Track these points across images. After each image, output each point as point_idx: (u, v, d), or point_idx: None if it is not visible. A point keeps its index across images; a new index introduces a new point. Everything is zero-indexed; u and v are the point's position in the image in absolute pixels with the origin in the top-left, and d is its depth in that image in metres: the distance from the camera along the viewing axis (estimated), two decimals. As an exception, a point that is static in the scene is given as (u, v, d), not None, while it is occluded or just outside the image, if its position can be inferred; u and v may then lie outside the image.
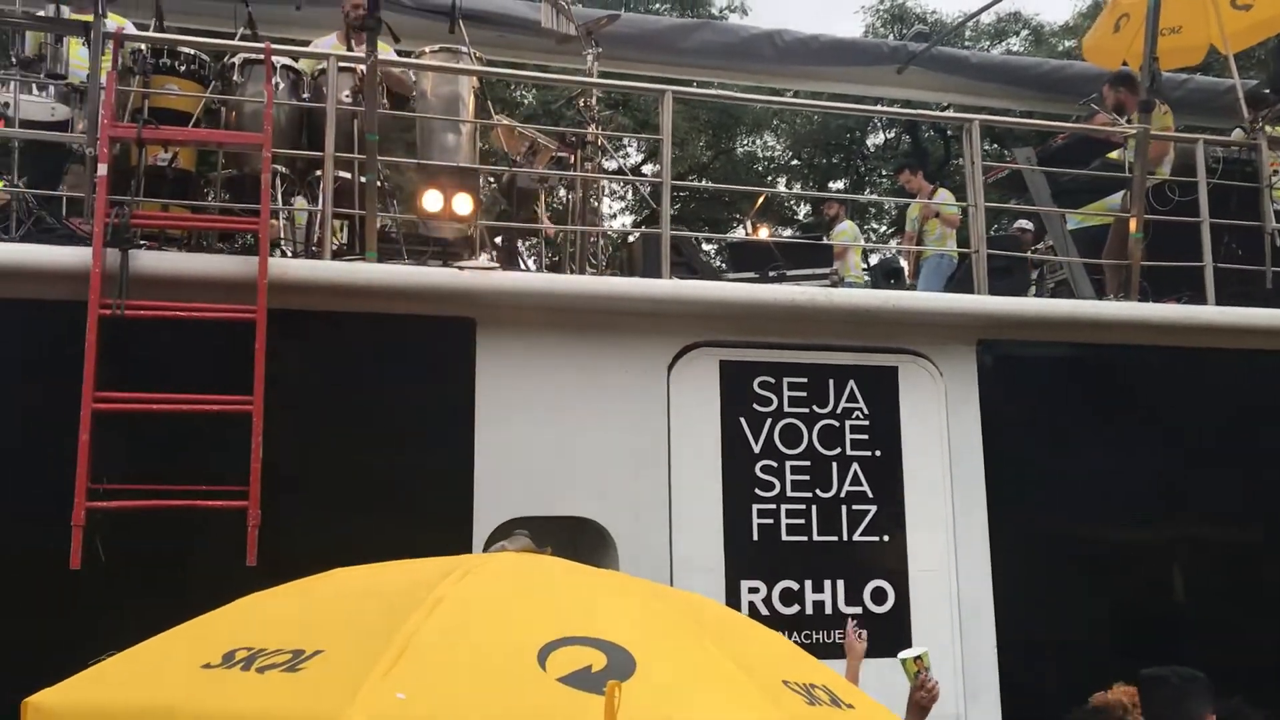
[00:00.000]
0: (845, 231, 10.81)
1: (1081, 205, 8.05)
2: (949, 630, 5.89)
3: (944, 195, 10.07)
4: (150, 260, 5.06)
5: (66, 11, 5.77)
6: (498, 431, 5.50)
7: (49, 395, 4.85)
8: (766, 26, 9.93)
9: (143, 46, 5.97)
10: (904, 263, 10.60)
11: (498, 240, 7.23)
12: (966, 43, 22.61)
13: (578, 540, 5.62)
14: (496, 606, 2.09)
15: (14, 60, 5.99)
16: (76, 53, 5.98)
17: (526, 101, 20.86)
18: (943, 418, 6.16)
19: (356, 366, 5.42)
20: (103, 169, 4.95)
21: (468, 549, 5.26)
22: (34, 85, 5.76)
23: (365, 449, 5.31)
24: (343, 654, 1.90)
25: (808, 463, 5.90)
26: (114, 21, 5.75)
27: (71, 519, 4.50)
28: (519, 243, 7.85)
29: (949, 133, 23.17)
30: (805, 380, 5.97)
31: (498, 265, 5.84)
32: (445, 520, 5.34)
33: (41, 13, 5.73)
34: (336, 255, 5.84)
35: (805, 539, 5.82)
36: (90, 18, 5.41)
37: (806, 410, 5.94)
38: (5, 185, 5.88)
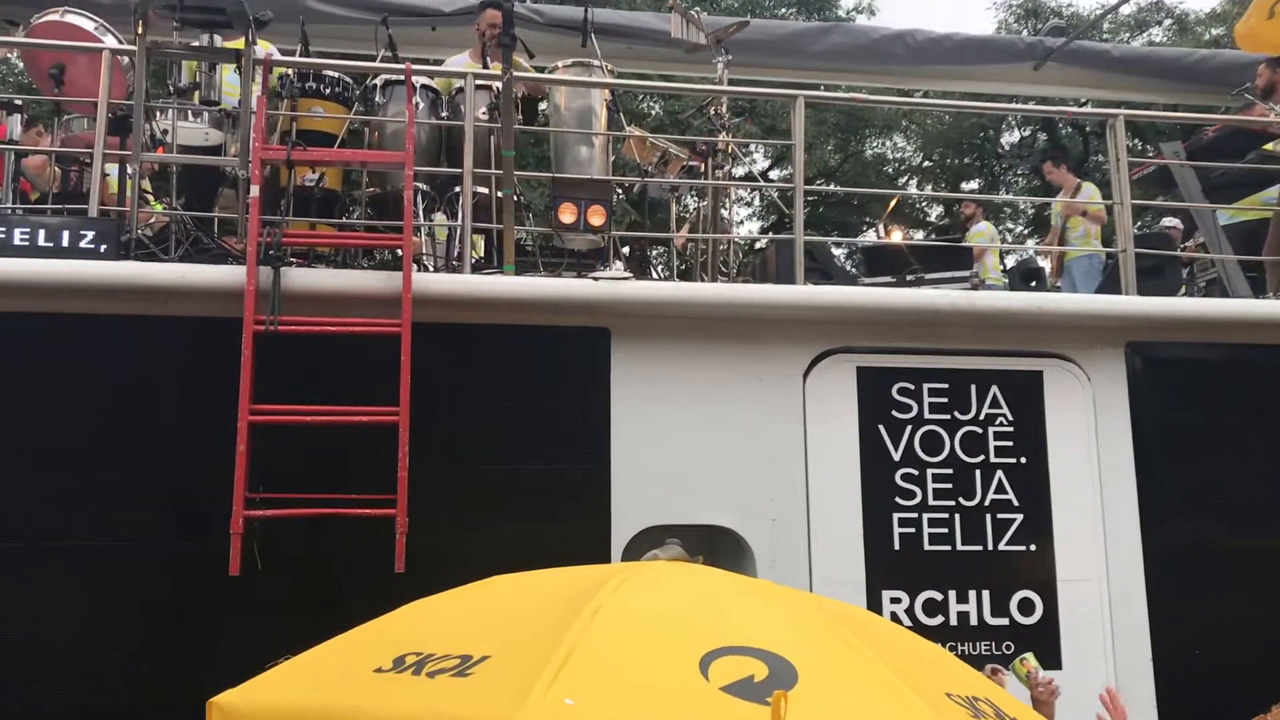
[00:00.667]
0: (982, 233, 10.56)
1: (1235, 200, 7.69)
2: (1100, 644, 5.69)
3: (1089, 190, 9.73)
4: (300, 277, 5.23)
5: (219, 40, 6.05)
6: (633, 440, 5.54)
7: (207, 407, 5.07)
8: (897, 27, 9.79)
9: (290, 71, 6.21)
10: (1044, 263, 10.28)
11: (626, 250, 7.30)
12: (1105, 35, 21.85)
13: (714, 549, 5.62)
14: (655, 615, 2.10)
15: (171, 89, 6.31)
16: (228, 79, 6.25)
17: (654, 112, 20.96)
18: (1091, 423, 5.96)
19: (496, 376, 5.52)
20: (255, 190, 5.15)
21: (606, 557, 5.31)
22: (189, 112, 6.04)
23: (505, 457, 5.41)
24: (509, 660, 1.94)
25: (950, 470, 5.77)
26: (262, 48, 5.99)
27: (230, 526, 4.69)
28: (650, 252, 7.89)
29: (1088, 129, 22.49)
30: (946, 386, 5.84)
31: (630, 275, 5.87)
32: (583, 528, 5.40)
33: (196, 43, 6.01)
34: (475, 269, 5.96)
35: (949, 548, 5.70)
36: (241, 45, 5.65)
37: (948, 417, 5.82)
38: (164, 207, 6.19)
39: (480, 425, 5.44)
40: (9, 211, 5.88)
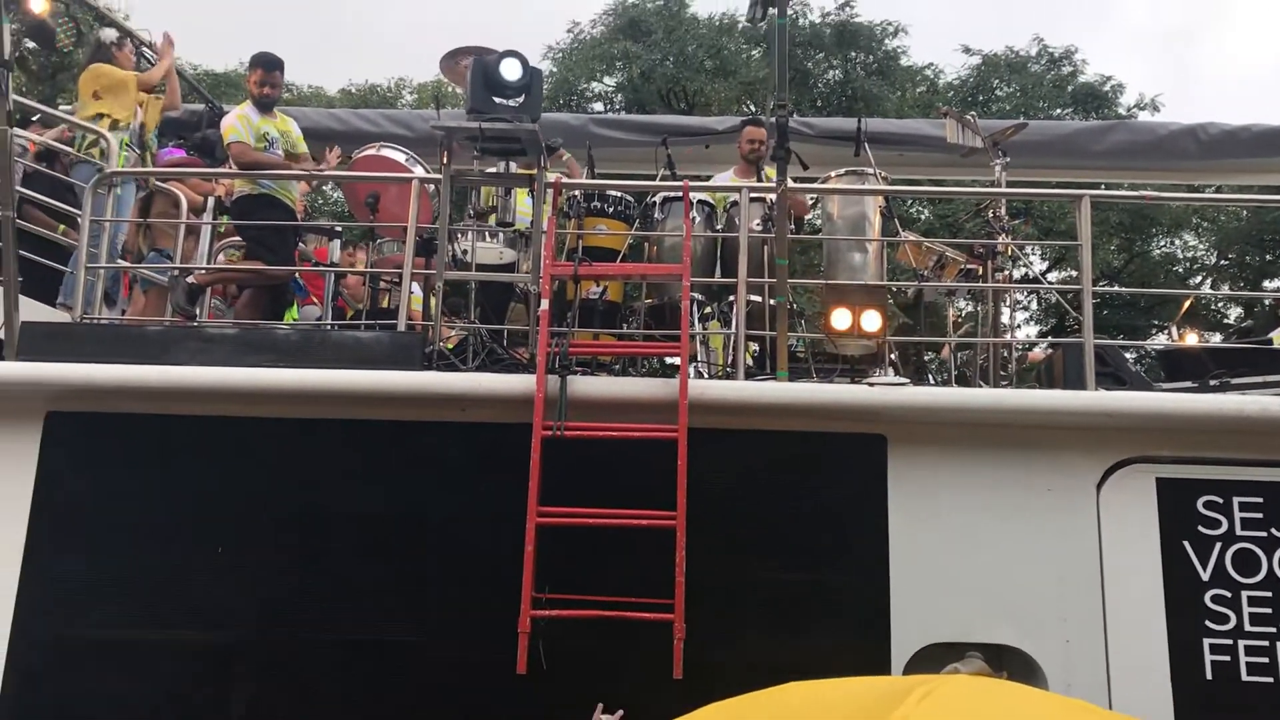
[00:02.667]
0: None
1: None
2: None
3: None
4: (584, 385, 5.44)
5: (514, 167, 6.51)
6: (912, 551, 5.36)
7: (496, 508, 5.32)
8: (1186, 122, 9.31)
9: (578, 193, 6.60)
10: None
11: (894, 355, 7.19)
12: None
13: (1001, 670, 5.31)
14: (962, 730, 2.00)
15: (470, 212, 6.82)
16: (522, 202, 6.70)
17: (923, 217, 20.75)
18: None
19: (770, 483, 5.51)
20: (545, 304, 5.46)
21: (885, 671, 5.13)
22: (487, 233, 6.50)
23: (779, 565, 5.37)
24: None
25: (1269, 593, 5.24)
26: (550, 174, 6.40)
27: (518, 625, 4.87)
28: (925, 357, 7.74)
29: None
30: (1261, 500, 5.34)
31: (908, 380, 5.77)
32: (861, 642, 5.25)
33: (493, 169, 6.49)
34: (749, 375, 6.03)
35: (1271, 680, 5.15)
36: (534, 171, 6.05)
37: (1264, 534, 5.31)
38: (463, 323, 6.65)
39: (754, 531, 5.43)
40: (329, 327, 6.47)
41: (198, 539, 5.48)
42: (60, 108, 10.31)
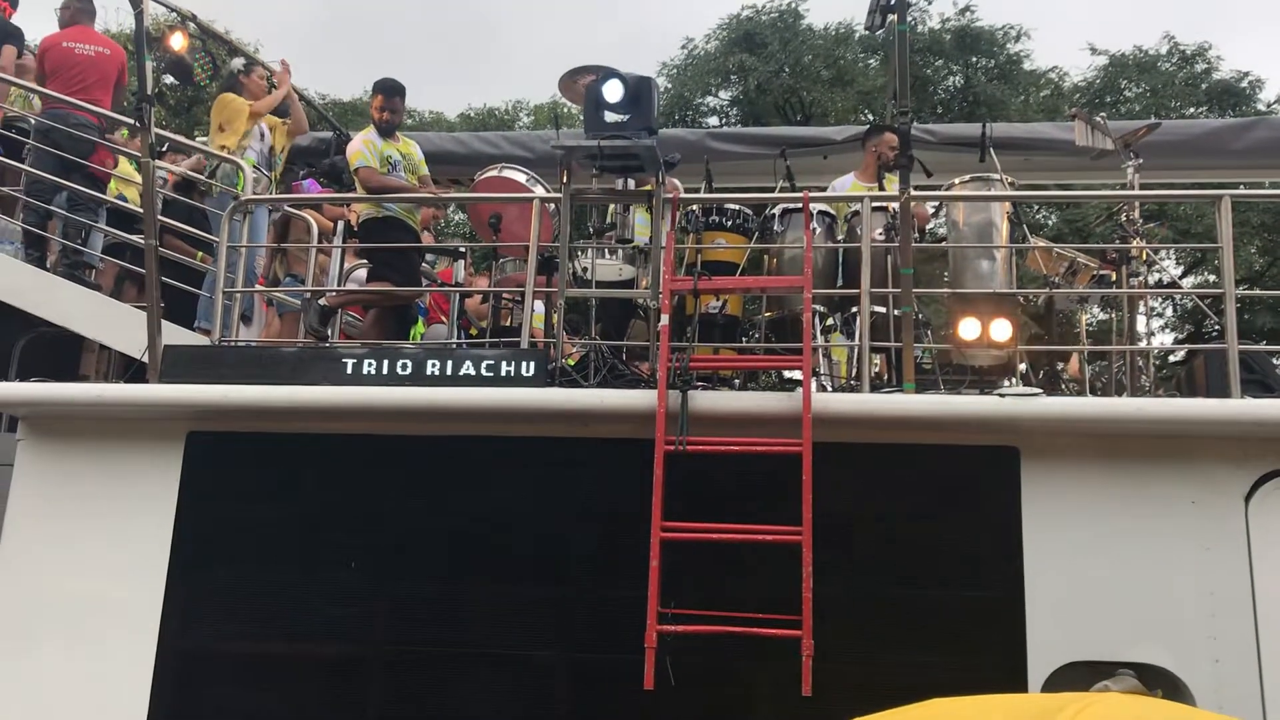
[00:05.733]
0: None
1: None
2: None
3: None
4: (706, 399, 5.41)
5: (632, 184, 6.54)
6: (1049, 566, 5.18)
7: (620, 523, 5.34)
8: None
9: (696, 208, 6.59)
10: None
11: (1023, 366, 6.98)
12: None
13: (1155, 689, 5.09)
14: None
15: (590, 229, 6.88)
16: (641, 218, 6.73)
17: (1050, 222, 20.20)
18: None
19: (900, 497, 5.40)
20: (665, 319, 5.46)
21: (1022, 690, 4.96)
22: (606, 250, 6.54)
23: (909, 580, 5.25)
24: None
25: None
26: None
27: (644, 640, 4.87)
28: (1058, 367, 7.51)
29: None
30: None
31: (1041, 391, 5.60)
32: (997, 660, 5.09)
33: (611, 187, 6.54)
34: (874, 388, 5.93)
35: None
36: (652, 187, 6.07)
37: None
38: (584, 339, 6.70)
39: (883, 547, 5.34)
40: (454, 345, 6.60)
41: (331, 554, 5.64)
42: (197, 139, 10.79)
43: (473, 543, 5.61)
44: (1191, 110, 22.11)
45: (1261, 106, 22.22)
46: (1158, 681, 5.05)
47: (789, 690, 4.70)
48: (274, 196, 7.87)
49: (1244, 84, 22.75)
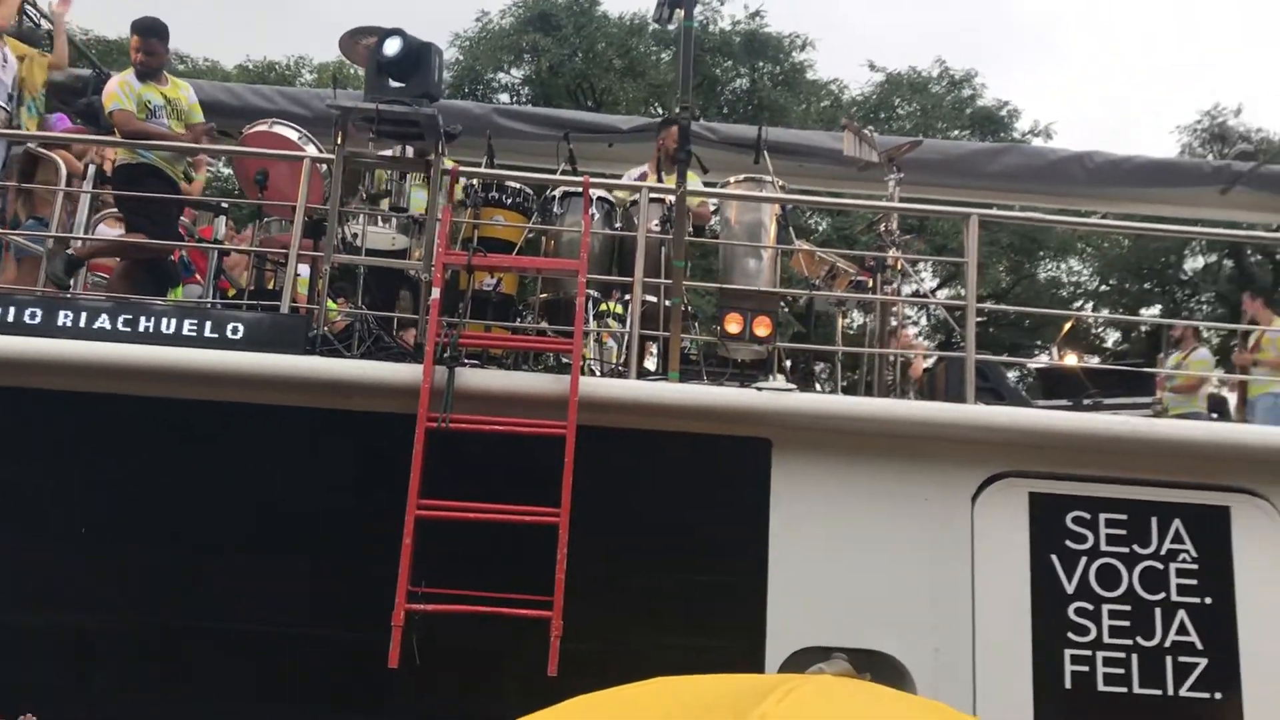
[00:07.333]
0: (1204, 361, 9.90)
1: None
2: (1297, 809, 5.20)
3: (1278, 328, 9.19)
4: (473, 377, 5.36)
5: (410, 151, 6.39)
6: (791, 555, 5.42)
7: (375, 500, 5.22)
8: (1075, 149, 9.61)
9: (475, 181, 6.51)
10: (1230, 395, 9.77)
11: (787, 363, 7.27)
12: (1299, 160, 20.98)
13: (871, 675, 5.40)
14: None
15: (363, 195, 6.68)
16: (418, 189, 6.58)
17: (820, 228, 21.07)
18: (1284, 565, 5.55)
19: (656, 483, 5.51)
20: (436, 292, 5.36)
21: (760, 672, 5.17)
22: (379, 217, 6.36)
23: (661, 565, 5.37)
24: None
25: (1128, 607, 5.44)
26: (448, 161, 6.30)
27: (392, 619, 4.78)
28: (814, 366, 7.84)
29: (1279, 257, 21.47)
30: (1125, 517, 5.55)
31: (795, 387, 5.83)
32: (737, 643, 5.29)
33: (388, 153, 6.37)
34: (641, 375, 6.02)
35: (1125, 690, 5.34)
36: (430, 157, 5.95)
37: (1126, 550, 5.51)
38: (350, 307, 6.49)
39: (638, 531, 5.43)
40: (210, 306, 6.27)
41: (64, 520, 5.27)
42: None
43: (217, 514, 5.35)
44: (956, 132, 23.55)
45: (1017, 134, 23.89)
46: (885, 668, 5.37)
47: (537, 670, 4.71)
48: (14, 132, 7.23)
49: (1003, 112, 24.41)
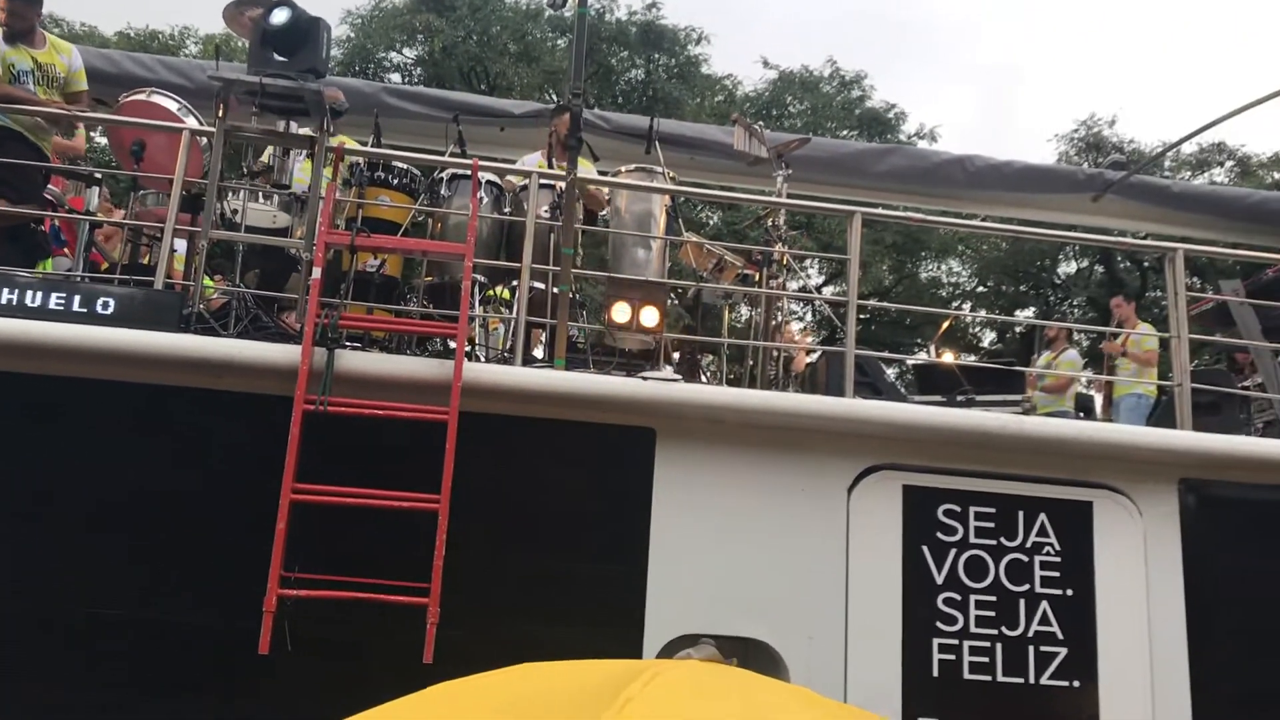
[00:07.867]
0: (1073, 362, 10.27)
1: (1296, 341, 7.59)
2: (1146, 790, 5.46)
3: (1143, 329, 9.63)
4: (354, 360, 5.28)
5: (294, 128, 6.24)
6: (671, 544, 5.47)
7: (249, 483, 5.09)
8: (956, 152, 9.89)
9: (361, 160, 6.39)
10: (1096, 395, 10.18)
11: (675, 355, 7.33)
12: (1166, 172, 21.95)
13: (747, 662, 5.49)
14: (684, 712, 2.04)
15: (245, 171, 6.51)
16: (300, 166, 6.44)
17: (711, 222, 21.25)
18: (1141, 559, 5.81)
19: (538, 470, 5.50)
20: (317, 272, 5.24)
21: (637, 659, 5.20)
22: (260, 194, 6.20)
23: (541, 553, 5.36)
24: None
25: (994, 598, 5.63)
26: (337, 140, 6.17)
27: (264, 604, 4.67)
28: (700, 358, 7.91)
29: (1146, 264, 22.42)
30: (993, 511, 5.74)
31: (679, 377, 5.88)
32: (616, 631, 5.31)
33: (271, 128, 6.21)
34: (527, 362, 5.99)
35: (989, 678, 5.52)
36: (315, 133, 5.82)
37: (994, 542, 5.70)
38: (226, 285, 6.32)
39: (519, 519, 5.41)
40: (79, 279, 6.03)
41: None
42: None
43: (84, 497, 5.15)
44: (845, 132, 24.00)
45: (904, 136, 24.46)
46: (760, 656, 5.47)
47: (412, 657, 4.66)
48: None
49: (891, 114, 24.95)
